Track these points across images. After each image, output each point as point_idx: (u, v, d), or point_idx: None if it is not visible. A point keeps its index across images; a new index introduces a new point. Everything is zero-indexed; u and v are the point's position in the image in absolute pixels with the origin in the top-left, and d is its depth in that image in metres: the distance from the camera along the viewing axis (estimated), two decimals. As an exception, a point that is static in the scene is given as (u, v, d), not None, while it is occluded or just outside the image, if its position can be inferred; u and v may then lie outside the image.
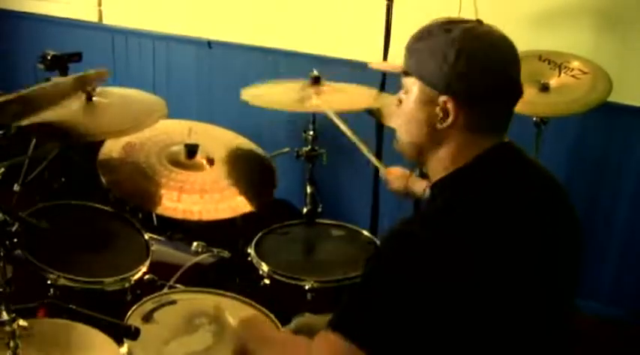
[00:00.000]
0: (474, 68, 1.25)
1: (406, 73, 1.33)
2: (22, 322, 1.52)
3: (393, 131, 1.40)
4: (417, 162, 1.41)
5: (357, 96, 2.50)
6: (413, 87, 1.31)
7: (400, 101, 1.36)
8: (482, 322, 1.19)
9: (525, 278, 1.24)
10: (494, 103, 1.29)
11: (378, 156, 2.82)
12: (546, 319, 1.28)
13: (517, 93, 1.30)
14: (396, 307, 1.16)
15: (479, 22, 1.30)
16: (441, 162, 1.32)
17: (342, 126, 2.20)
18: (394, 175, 2.14)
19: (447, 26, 1.28)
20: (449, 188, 1.29)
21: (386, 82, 2.74)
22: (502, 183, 1.28)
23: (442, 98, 1.26)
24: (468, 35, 1.26)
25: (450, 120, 1.27)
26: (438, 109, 1.27)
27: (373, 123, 2.75)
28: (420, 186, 2.00)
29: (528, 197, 1.29)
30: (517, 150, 1.35)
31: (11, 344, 1.50)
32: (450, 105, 1.26)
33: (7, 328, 1.50)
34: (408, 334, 1.17)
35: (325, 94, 2.39)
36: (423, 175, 2.46)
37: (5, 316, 1.50)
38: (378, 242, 2.39)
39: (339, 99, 2.38)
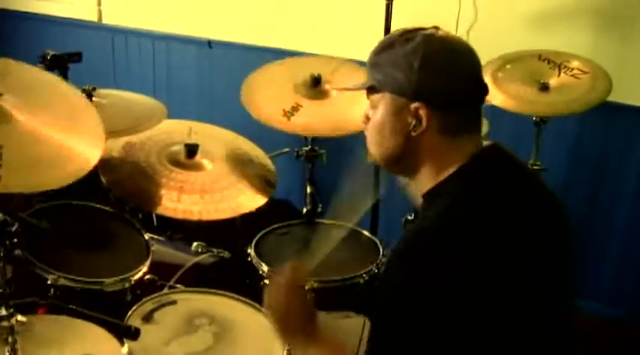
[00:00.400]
0: (440, 72, 1.27)
1: (372, 89, 1.33)
2: (20, 317, 1.53)
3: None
4: (395, 174, 1.42)
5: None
6: (381, 100, 1.32)
7: (368, 118, 1.36)
8: (491, 327, 1.19)
9: (527, 282, 1.24)
10: (464, 104, 1.30)
11: (377, 166, 2.82)
12: (547, 321, 1.28)
13: (483, 91, 1.32)
14: (424, 329, 1.17)
15: (435, 28, 1.32)
16: (428, 173, 1.32)
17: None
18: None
19: (406, 36, 1.29)
20: (443, 196, 1.28)
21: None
22: (495, 188, 1.29)
23: (413, 105, 1.27)
24: (429, 41, 1.28)
25: (423, 125, 1.27)
26: (410, 117, 1.28)
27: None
28: None
29: (521, 200, 1.30)
30: (505, 152, 1.35)
31: (9, 339, 1.50)
32: (421, 111, 1.27)
33: (6, 323, 1.50)
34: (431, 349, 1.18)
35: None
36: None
37: (4, 311, 1.50)
38: (377, 241, 2.39)
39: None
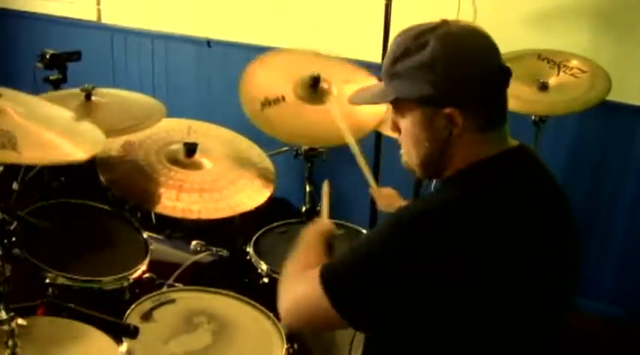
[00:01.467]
0: (464, 72, 1.23)
1: (396, 99, 1.29)
2: (20, 321, 1.52)
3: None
4: (428, 177, 1.40)
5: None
6: (408, 110, 1.28)
7: (397, 127, 1.34)
8: (480, 316, 1.19)
9: (528, 279, 1.23)
10: (493, 95, 1.27)
11: (376, 164, 2.83)
12: (545, 319, 1.28)
13: (507, 74, 1.28)
14: (391, 287, 1.17)
15: (443, 22, 1.27)
16: (453, 166, 1.30)
17: (347, 134, 2.17)
18: (382, 194, 2.08)
19: (419, 40, 1.24)
20: (458, 184, 1.27)
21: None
22: (510, 187, 1.27)
23: (445, 111, 1.24)
24: (445, 41, 1.23)
25: (459, 128, 1.24)
26: (444, 122, 1.25)
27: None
28: None
29: (535, 203, 1.28)
30: (532, 153, 1.34)
31: (10, 342, 1.50)
32: (455, 115, 1.23)
33: (6, 327, 1.49)
34: (392, 314, 1.18)
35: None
36: (417, 191, 2.47)
37: (4, 315, 1.50)
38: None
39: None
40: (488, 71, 1.26)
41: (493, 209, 1.22)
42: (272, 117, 2.37)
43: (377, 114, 2.44)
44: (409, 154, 1.33)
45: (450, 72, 1.22)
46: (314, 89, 2.46)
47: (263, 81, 2.47)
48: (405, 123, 1.30)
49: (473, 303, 1.18)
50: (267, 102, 2.39)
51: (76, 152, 1.67)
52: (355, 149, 2.08)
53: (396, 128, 1.34)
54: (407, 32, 1.28)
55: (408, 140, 1.31)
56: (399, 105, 1.30)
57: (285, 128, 2.37)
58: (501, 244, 1.20)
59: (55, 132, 1.68)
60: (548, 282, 1.27)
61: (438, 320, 1.18)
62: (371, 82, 2.50)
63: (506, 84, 1.29)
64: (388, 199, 2.03)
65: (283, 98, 2.41)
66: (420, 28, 1.27)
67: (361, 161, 2.10)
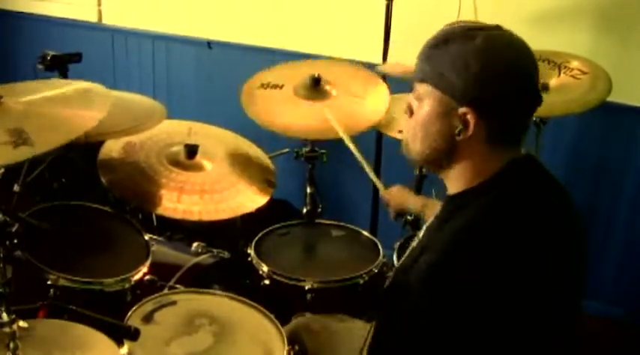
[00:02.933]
0: (497, 80, 1.20)
1: (421, 80, 1.27)
2: (22, 323, 1.52)
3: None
4: (425, 168, 1.39)
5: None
6: (428, 95, 1.26)
7: (411, 110, 1.31)
8: (512, 332, 1.20)
9: (551, 294, 1.25)
10: (516, 114, 1.25)
11: (377, 165, 2.83)
12: (562, 329, 1.30)
13: (537, 100, 1.26)
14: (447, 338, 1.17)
15: (498, 27, 1.25)
16: (461, 175, 1.28)
17: (348, 141, 2.20)
18: (393, 195, 2.10)
19: (468, 33, 1.22)
20: (471, 205, 1.25)
21: (386, 83, 2.74)
22: (524, 201, 1.26)
23: (462, 109, 1.21)
24: (492, 44, 1.21)
25: (469, 132, 1.22)
26: (457, 121, 1.23)
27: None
28: (415, 203, 2.01)
29: (552, 214, 1.28)
30: (538, 163, 1.33)
31: (11, 345, 1.50)
32: (470, 117, 1.21)
33: (7, 329, 1.49)
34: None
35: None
36: (419, 189, 2.48)
37: (5, 317, 1.50)
38: (377, 241, 2.39)
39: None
40: (522, 89, 1.23)
41: (509, 234, 1.21)
42: (263, 98, 2.43)
43: (377, 112, 2.44)
44: (414, 140, 1.31)
45: (484, 75, 1.19)
46: (314, 89, 2.46)
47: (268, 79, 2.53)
48: (421, 108, 1.27)
49: (511, 321, 1.19)
50: (267, 85, 2.46)
51: (91, 115, 1.66)
52: (360, 158, 2.10)
53: (410, 110, 1.31)
54: (459, 23, 1.27)
55: (418, 127, 1.29)
56: (422, 88, 1.27)
57: (269, 113, 2.42)
58: (525, 262, 1.20)
59: (62, 107, 1.67)
60: (566, 289, 1.29)
61: (483, 343, 1.19)
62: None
63: (532, 110, 1.27)
64: (400, 199, 2.05)
65: (281, 87, 2.47)
66: (473, 24, 1.25)
67: (368, 169, 2.11)
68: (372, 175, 2.14)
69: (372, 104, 2.47)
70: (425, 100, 1.27)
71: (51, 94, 1.81)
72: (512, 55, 1.23)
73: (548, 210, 1.28)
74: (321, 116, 2.34)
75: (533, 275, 1.21)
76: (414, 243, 1.37)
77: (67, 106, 1.68)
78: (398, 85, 2.31)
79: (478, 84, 1.20)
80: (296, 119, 2.41)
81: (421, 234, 1.40)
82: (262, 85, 2.48)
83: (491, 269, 1.17)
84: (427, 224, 1.42)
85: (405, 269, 1.29)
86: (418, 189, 2.54)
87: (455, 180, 1.30)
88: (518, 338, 1.20)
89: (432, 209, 1.84)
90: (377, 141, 2.83)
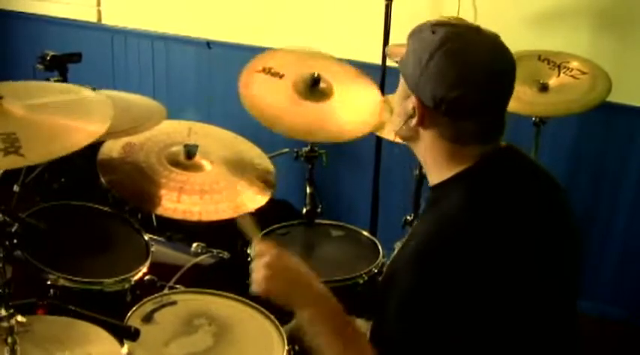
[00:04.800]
0: (442, 78, 1.22)
1: (397, 62, 1.34)
2: (20, 318, 1.52)
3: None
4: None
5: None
6: (401, 78, 1.33)
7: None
8: (498, 323, 1.21)
9: (536, 280, 1.26)
10: (464, 116, 1.25)
11: (377, 166, 2.83)
12: (554, 320, 1.30)
13: (501, 105, 1.27)
14: (437, 324, 1.19)
15: (475, 28, 1.27)
16: (433, 165, 1.33)
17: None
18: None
19: (435, 27, 1.25)
20: (448, 197, 1.27)
21: (385, 83, 2.74)
22: (507, 187, 1.28)
23: (412, 98, 1.28)
24: (451, 40, 1.22)
25: (415, 121, 1.28)
26: (410, 107, 1.29)
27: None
28: None
29: (534, 200, 1.30)
30: (519, 152, 1.35)
31: (9, 340, 1.50)
32: (417, 107, 1.27)
33: (5, 324, 1.49)
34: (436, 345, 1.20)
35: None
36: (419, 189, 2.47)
37: (3, 312, 1.50)
38: (377, 241, 2.39)
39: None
40: (474, 91, 1.23)
41: (490, 218, 1.24)
42: (261, 84, 2.41)
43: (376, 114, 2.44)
44: (393, 117, 1.38)
45: (430, 68, 1.22)
46: (312, 88, 2.46)
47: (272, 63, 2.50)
48: (398, 87, 1.34)
49: (495, 309, 1.21)
50: (268, 70, 2.44)
51: (89, 130, 1.62)
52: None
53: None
54: (443, 18, 1.30)
55: (393, 101, 1.38)
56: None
57: (262, 100, 2.39)
58: (508, 248, 1.22)
59: (61, 117, 1.64)
60: (554, 279, 1.29)
61: (467, 330, 1.20)
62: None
63: (496, 111, 1.27)
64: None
65: (282, 76, 2.45)
66: (450, 21, 1.28)
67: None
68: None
69: (365, 110, 2.46)
70: (400, 80, 1.33)
71: (53, 101, 1.79)
72: (471, 54, 1.23)
73: (525, 194, 1.30)
74: (313, 117, 2.32)
75: (512, 254, 1.23)
76: (404, 240, 1.39)
77: (66, 117, 1.64)
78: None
79: (425, 76, 1.23)
80: (286, 114, 2.39)
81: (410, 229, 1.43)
82: (263, 69, 2.45)
83: (473, 248, 1.19)
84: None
85: (393, 262, 1.34)
86: (418, 190, 2.54)
87: (431, 171, 1.34)
88: (504, 315, 1.22)
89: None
90: (376, 143, 2.83)
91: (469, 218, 1.22)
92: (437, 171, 1.32)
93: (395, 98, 1.36)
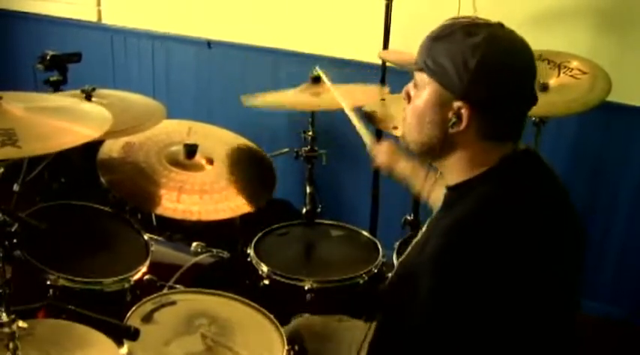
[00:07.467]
0: (494, 77, 1.22)
1: (420, 69, 1.29)
2: (21, 323, 1.52)
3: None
4: (421, 158, 1.41)
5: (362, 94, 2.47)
6: (426, 85, 1.28)
7: (409, 95, 1.34)
8: (514, 327, 1.22)
9: (551, 284, 1.26)
10: (510, 112, 1.27)
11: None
12: (562, 324, 1.31)
13: (532, 101, 1.29)
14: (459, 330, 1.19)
15: (500, 25, 1.28)
16: (457, 167, 1.31)
17: (342, 101, 2.07)
18: (383, 152, 1.96)
19: (469, 29, 1.24)
20: (469, 196, 1.27)
21: (385, 83, 2.74)
22: (528, 191, 1.28)
23: (457, 103, 1.24)
24: (491, 41, 1.22)
25: (462, 126, 1.25)
26: (451, 114, 1.25)
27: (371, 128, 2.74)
28: (404, 167, 1.90)
29: (551, 204, 1.30)
30: (537, 157, 1.35)
31: (11, 345, 1.50)
32: (464, 112, 1.24)
33: (7, 330, 1.49)
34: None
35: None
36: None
37: (5, 318, 1.50)
38: (377, 241, 2.39)
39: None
40: (518, 87, 1.26)
41: (513, 222, 1.23)
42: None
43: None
44: (410, 128, 1.34)
45: (482, 71, 1.21)
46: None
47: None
48: (419, 97, 1.30)
49: (514, 312, 1.21)
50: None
51: (85, 132, 1.64)
52: (350, 112, 2.00)
53: (407, 96, 1.34)
54: (461, 18, 1.29)
55: (414, 115, 1.32)
56: (421, 77, 1.30)
57: None
58: (530, 252, 1.22)
59: (59, 118, 1.66)
60: (565, 282, 1.30)
61: (489, 333, 1.21)
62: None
63: (527, 108, 1.30)
64: (388, 158, 1.94)
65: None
66: (476, 20, 1.28)
67: (355, 121, 1.99)
68: (360, 130, 1.98)
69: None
70: (422, 89, 1.29)
71: (52, 105, 1.81)
72: (511, 55, 1.25)
73: (543, 198, 1.30)
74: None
75: (531, 258, 1.22)
76: (417, 239, 1.39)
77: (63, 118, 1.67)
78: (398, 84, 2.30)
79: (475, 79, 1.22)
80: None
81: (424, 228, 1.42)
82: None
83: (494, 251, 1.19)
84: (429, 218, 1.44)
85: (409, 262, 1.32)
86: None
87: (452, 172, 1.33)
88: (521, 318, 1.22)
89: (418, 177, 1.82)
90: (376, 139, 2.83)
91: (488, 220, 1.22)
92: (459, 171, 1.31)
93: (416, 111, 1.30)
